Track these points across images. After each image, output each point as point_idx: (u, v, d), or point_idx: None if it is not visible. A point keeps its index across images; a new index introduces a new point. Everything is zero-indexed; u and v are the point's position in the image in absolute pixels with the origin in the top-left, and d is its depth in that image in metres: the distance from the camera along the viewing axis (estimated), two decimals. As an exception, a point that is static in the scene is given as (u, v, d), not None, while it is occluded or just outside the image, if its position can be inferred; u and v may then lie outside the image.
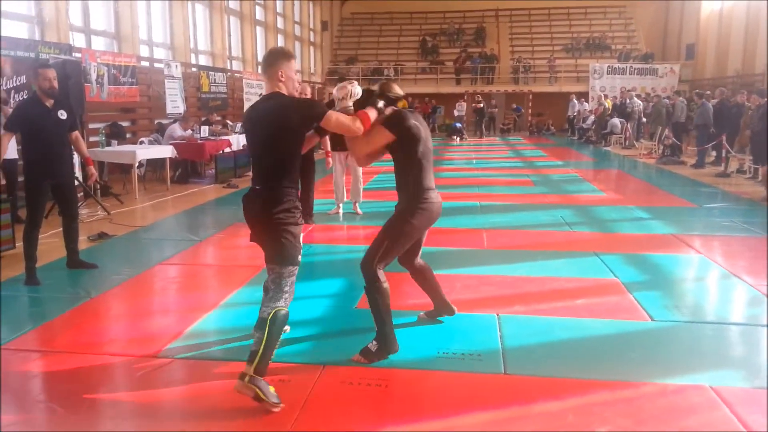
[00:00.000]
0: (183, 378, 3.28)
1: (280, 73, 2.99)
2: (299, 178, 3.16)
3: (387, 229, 3.40)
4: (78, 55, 9.61)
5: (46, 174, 4.87)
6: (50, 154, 4.86)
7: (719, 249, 5.97)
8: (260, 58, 19.58)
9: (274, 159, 2.94)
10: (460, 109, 23.78)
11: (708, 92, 14.76)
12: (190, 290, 4.91)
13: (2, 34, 8.27)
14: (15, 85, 7.67)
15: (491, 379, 3.17)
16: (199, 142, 11.02)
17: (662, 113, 15.52)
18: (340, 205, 7.60)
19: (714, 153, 13.23)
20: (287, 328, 3.52)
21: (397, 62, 27.37)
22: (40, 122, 4.80)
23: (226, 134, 12.31)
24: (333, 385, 3.10)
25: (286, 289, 2.98)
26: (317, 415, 2.82)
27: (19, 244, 5.19)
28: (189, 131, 11.36)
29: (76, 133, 5.20)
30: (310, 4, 25.96)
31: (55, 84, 4.87)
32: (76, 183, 7.32)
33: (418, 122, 3.39)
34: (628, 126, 18.09)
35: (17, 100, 7.68)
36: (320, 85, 25.23)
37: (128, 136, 11.53)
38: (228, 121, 14.40)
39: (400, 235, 3.38)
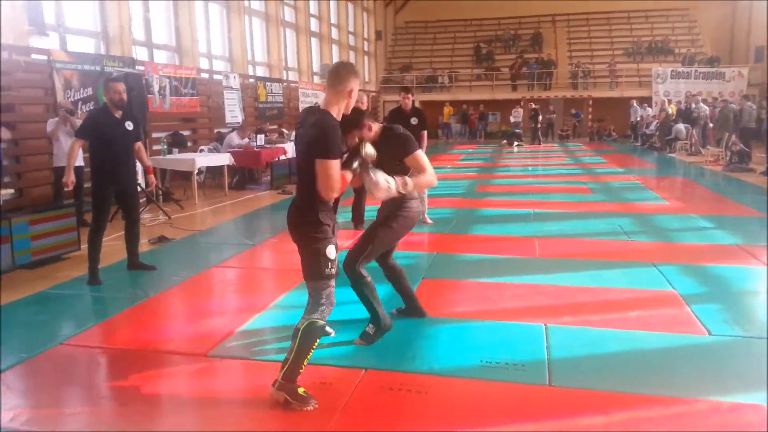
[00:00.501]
0: (230, 376, 3.38)
1: (350, 89, 2.94)
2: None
3: (371, 234, 3.71)
4: (141, 68, 10.07)
5: (111, 181, 5.12)
6: (116, 162, 5.11)
7: (788, 261, 5.64)
8: (315, 68, 19.99)
9: (310, 174, 2.87)
10: (517, 115, 23.45)
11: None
12: (242, 292, 5.05)
13: (69, 50, 8.76)
14: (82, 96, 8.11)
15: (535, 390, 3.10)
16: (255, 150, 11.33)
17: (729, 118, 14.84)
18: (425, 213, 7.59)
19: (786, 160, 12.54)
20: (332, 332, 3.57)
21: (452, 69, 27.30)
22: (109, 132, 5.07)
23: (282, 142, 12.60)
24: (373, 389, 3.11)
25: (323, 301, 2.97)
26: (356, 418, 2.84)
27: (84, 246, 5.46)
28: (246, 140, 11.69)
29: (140, 144, 5.46)
30: (364, 14, 26.28)
31: (125, 96, 5.15)
32: (139, 190, 7.68)
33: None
34: (694, 132, 17.38)
35: (84, 111, 8.10)
36: (374, 94, 25.45)
37: (189, 144, 11.97)
38: (284, 130, 14.73)
39: (383, 239, 3.70)
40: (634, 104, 22.30)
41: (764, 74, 22.73)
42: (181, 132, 11.79)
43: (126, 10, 10.47)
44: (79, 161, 7.18)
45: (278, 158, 11.62)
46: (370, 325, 3.73)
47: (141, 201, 8.22)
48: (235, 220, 8.17)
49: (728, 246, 6.18)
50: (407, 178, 3.25)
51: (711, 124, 17.21)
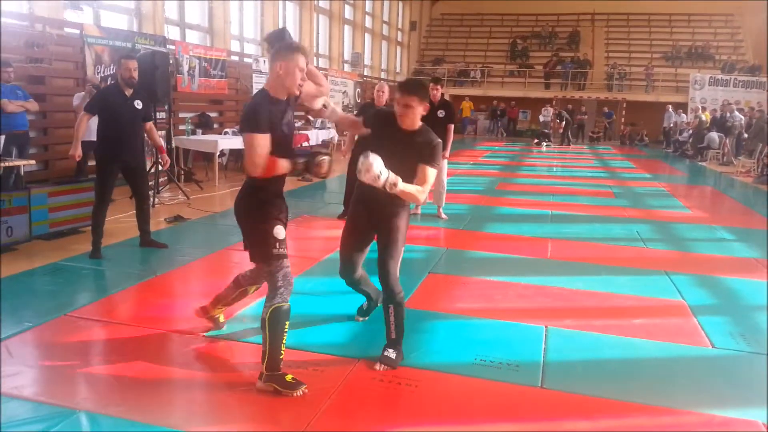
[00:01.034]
0: (222, 356, 3.42)
1: (281, 66, 2.87)
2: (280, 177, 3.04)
3: (397, 237, 3.35)
4: (172, 47, 10.18)
5: (115, 157, 5.18)
6: (121, 138, 5.17)
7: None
8: (346, 56, 19.96)
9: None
10: (546, 114, 23.11)
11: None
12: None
13: (102, 25, 8.89)
14: (112, 72, 8.23)
15: (525, 391, 3.08)
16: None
17: (764, 129, 14.41)
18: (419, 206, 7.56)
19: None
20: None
21: (485, 64, 27.02)
22: (117, 109, 5.14)
23: (307, 129, 12.62)
24: (364, 379, 3.12)
25: (279, 284, 2.93)
26: (344, 406, 2.86)
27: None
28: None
29: (150, 124, 5.54)
30: (400, 3, 26.13)
31: (135, 75, 5.20)
32: (159, 169, 7.79)
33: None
34: (727, 141, 16.94)
35: (112, 87, 8.20)
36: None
37: (215, 126, 12.09)
38: (310, 117, 14.76)
39: (404, 238, 3.42)
40: (669, 109, 21.82)
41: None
42: (208, 113, 11.91)
43: (160, -12, 10.61)
44: (92, 136, 7.33)
45: (301, 145, 11.66)
46: (391, 350, 3.32)
47: (162, 180, 8.38)
48: (252, 204, 8.22)
49: (746, 259, 6.03)
50: (399, 180, 3.01)
51: (746, 134, 16.75)
